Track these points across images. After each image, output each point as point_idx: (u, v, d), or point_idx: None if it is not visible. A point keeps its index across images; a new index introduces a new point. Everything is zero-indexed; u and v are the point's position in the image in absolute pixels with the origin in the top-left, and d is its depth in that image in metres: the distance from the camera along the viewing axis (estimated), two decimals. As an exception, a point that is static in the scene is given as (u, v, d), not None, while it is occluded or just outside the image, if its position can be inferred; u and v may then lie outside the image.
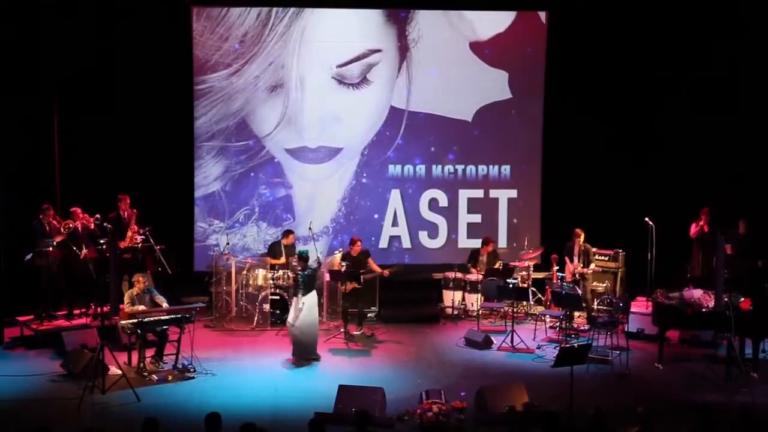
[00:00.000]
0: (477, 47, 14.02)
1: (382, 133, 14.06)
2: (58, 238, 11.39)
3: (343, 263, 12.26)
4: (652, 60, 13.74)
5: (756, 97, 13.24)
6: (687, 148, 13.59)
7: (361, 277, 11.87)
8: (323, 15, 13.69)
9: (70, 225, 11.44)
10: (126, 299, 10.09)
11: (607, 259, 12.95)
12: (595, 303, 12.51)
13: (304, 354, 10.70)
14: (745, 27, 13.20)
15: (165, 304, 10.31)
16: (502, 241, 14.10)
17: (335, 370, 10.31)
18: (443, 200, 14.22)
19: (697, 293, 10.80)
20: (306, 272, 10.83)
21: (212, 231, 13.75)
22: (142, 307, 10.08)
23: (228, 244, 12.57)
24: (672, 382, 10.01)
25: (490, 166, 14.27)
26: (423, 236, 14.22)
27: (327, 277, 12.52)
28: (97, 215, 11.59)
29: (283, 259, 12.52)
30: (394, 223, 14.16)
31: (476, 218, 14.25)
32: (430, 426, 8.43)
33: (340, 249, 13.05)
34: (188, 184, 13.73)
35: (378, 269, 12.22)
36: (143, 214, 12.07)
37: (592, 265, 12.34)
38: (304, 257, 10.98)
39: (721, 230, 11.20)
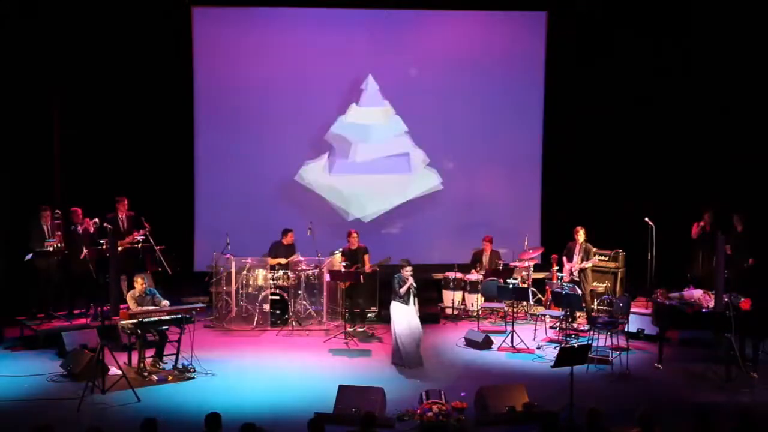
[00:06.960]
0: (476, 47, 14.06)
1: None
2: (58, 239, 11.39)
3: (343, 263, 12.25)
4: (652, 59, 13.74)
5: (756, 95, 13.24)
6: (687, 148, 13.59)
7: (360, 276, 11.89)
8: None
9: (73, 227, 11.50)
10: (129, 300, 10.09)
11: (607, 259, 12.94)
12: (595, 303, 12.51)
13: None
14: (746, 26, 13.21)
15: (165, 302, 10.32)
16: (502, 241, 14.10)
17: (335, 370, 10.30)
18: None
19: (697, 293, 10.78)
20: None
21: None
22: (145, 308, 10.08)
23: (228, 245, 12.54)
24: (672, 382, 9.99)
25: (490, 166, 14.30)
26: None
27: (327, 277, 12.52)
28: (96, 219, 11.62)
29: (282, 259, 12.50)
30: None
31: (476, 218, 14.27)
32: (430, 426, 8.42)
33: (340, 249, 13.04)
34: (188, 184, 13.73)
35: (368, 269, 12.17)
36: (143, 214, 12.03)
37: (595, 258, 12.28)
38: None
39: (722, 230, 11.18)
